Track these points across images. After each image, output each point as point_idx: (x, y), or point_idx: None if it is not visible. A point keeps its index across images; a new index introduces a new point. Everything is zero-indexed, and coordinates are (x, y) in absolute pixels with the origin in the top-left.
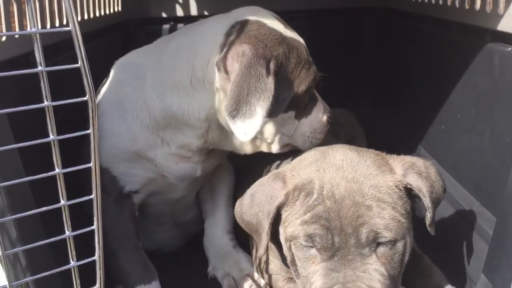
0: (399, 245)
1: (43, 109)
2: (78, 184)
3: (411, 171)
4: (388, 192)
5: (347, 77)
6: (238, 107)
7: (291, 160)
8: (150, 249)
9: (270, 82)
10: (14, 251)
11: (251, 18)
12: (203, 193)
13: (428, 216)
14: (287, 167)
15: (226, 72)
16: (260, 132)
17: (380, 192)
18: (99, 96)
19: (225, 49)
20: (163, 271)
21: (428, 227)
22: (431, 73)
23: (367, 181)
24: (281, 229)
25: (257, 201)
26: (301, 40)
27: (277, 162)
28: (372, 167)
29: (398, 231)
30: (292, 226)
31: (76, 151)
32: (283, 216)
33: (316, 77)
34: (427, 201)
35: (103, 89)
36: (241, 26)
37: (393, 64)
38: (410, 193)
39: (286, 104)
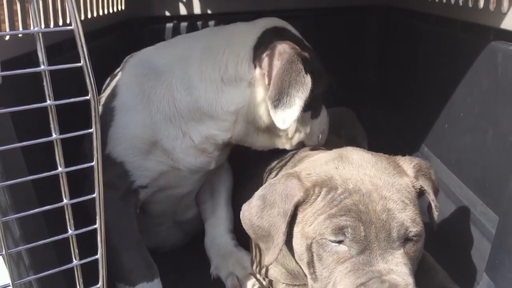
0: (420, 242)
1: (45, 107)
2: (77, 181)
3: (420, 173)
4: (408, 190)
5: (350, 76)
6: (280, 97)
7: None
8: (150, 247)
9: (308, 77)
10: (17, 249)
11: (278, 25)
12: (203, 194)
13: (435, 215)
14: (299, 168)
15: (262, 69)
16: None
17: (401, 191)
18: (111, 91)
19: (262, 49)
20: (164, 270)
21: (435, 220)
22: (434, 72)
23: (389, 178)
24: (296, 230)
25: (270, 202)
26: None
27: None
28: (389, 168)
29: (422, 226)
30: (315, 223)
31: (75, 149)
32: (299, 216)
33: (330, 81)
34: (433, 201)
35: (119, 83)
36: (273, 31)
37: (396, 63)
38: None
39: (321, 101)
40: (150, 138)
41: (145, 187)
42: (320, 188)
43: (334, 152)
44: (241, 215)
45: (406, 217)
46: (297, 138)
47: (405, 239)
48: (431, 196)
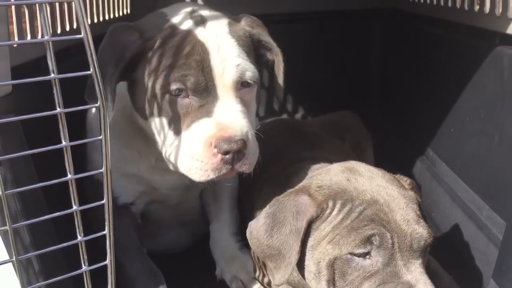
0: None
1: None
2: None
3: (414, 190)
4: (416, 203)
5: (354, 79)
6: None
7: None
8: (158, 251)
9: None
10: (27, 256)
11: None
12: (206, 195)
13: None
14: (306, 182)
15: None
16: None
17: (412, 202)
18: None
19: None
20: (171, 271)
21: None
22: (439, 76)
23: (400, 190)
24: (310, 247)
25: (280, 220)
26: None
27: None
28: (395, 180)
29: (432, 237)
30: (335, 240)
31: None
32: (314, 233)
33: None
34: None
35: None
36: None
37: (401, 66)
38: None
39: None
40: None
41: (132, 204)
42: (334, 201)
43: (340, 165)
44: (248, 234)
45: (423, 229)
46: None
47: (423, 250)
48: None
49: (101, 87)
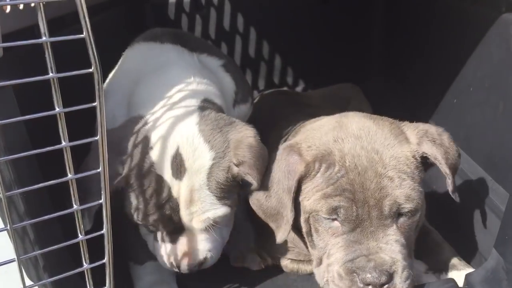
0: (417, 214)
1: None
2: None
3: (425, 139)
4: (406, 162)
5: (356, 51)
6: None
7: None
8: None
9: None
10: (22, 224)
11: None
12: None
13: (449, 182)
14: (299, 138)
15: None
16: None
17: (399, 163)
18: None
19: None
20: None
21: (451, 194)
22: (443, 45)
23: (387, 151)
24: (299, 206)
25: (276, 180)
26: None
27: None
28: (390, 137)
29: (418, 201)
30: (313, 199)
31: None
32: (302, 189)
33: None
34: (444, 168)
35: None
36: None
37: (404, 37)
38: (425, 161)
39: None
40: None
41: None
42: (320, 164)
43: (334, 119)
44: (249, 198)
45: (400, 194)
46: None
47: (399, 214)
48: (439, 162)
49: (94, 51)
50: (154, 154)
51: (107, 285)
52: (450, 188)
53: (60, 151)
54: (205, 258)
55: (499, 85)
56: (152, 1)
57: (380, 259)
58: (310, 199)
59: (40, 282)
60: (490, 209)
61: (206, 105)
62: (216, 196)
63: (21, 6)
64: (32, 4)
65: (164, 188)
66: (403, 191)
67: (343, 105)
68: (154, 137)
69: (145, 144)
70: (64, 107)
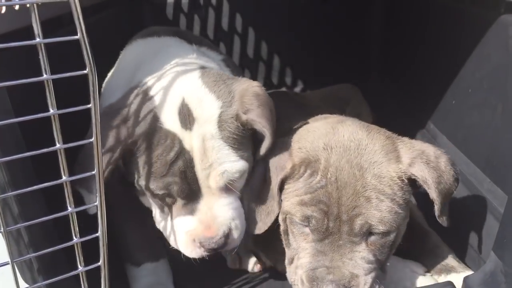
0: (392, 235)
1: (42, 83)
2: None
3: (418, 160)
4: (389, 183)
5: (355, 52)
6: None
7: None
8: None
9: None
10: (16, 227)
11: None
12: None
13: (436, 208)
14: (295, 136)
15: None
16: None
17: (381, 183)
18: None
19: None
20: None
21: (438, 219)
22: (441, 46)
23: (371, 169)
24: (281, 199)
25: (271, 170)
26: None
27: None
28: (379, 154)
29: (392, 223)
30: (291, 202)
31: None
32: (285, 188)
33: None
34: (432, 193)
35: None
36: None
37: (403, 37)
38: (414, 183)
39: None
40: None
41: None
42: (305, 169)
43: (330, 124)
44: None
45: (374, 216)
46: None
47: (370, 233)
48: (428, 186)
49: (89, 53)
50: (159, 110)
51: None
52: (436, 213)
53: (54, 153)
54: (230, 230)
55: (498, 86)
56: (151, 1)
57: (340, 273)
58: (289, 201)
59: (35, 285)
60: (488, 212)
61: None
62: (230, 147)
63: (17, 7)
64: (28, 5)
65: (175, 141)
66: (377, 213)
67: (342, 106)
68: (157, 94)
69: (148, 102)
70: (59, 108)
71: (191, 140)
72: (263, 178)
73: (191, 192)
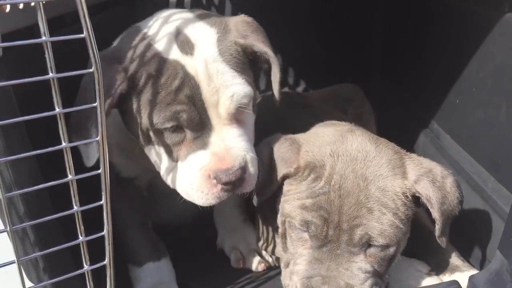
0: (392, 249)
1: (48, 82)
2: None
3: (425, 178)
4: (393, 198)
5: (357, 52)
6: None
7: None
8: (165, 223)
9: None
10: (22, 226)
11: None
12: None
13: (437, 228)
14: (303, 137)
15: None
16: None
17: (385, 196)
18: None
19: None
20: (175, 246)
21: (437, 239)
22: (445, 46)
23: (376, 181)
24: (280, 199)
25: (277, 156)
26: None
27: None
28: (386, 167)
29: (392, 237)
30: (291, 205)
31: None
32: (285, 188)
33: None
34: (434, 212)
35: None
36: None
37: (406, 37)
38: (417, 200)
39: None
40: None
41: (134, 178)
42: (309, 172)
43: (340, 132)
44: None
45: (375, 228)
46: None
47: (369, 245)
48: (431, 205)
49: (95, 51)
50: (156, 42)
51: (108, 286)
52: (437, 233)
53: (60, 152)
54: (246, 163)
55: (502, 85)
56: (154, 1)
57: (335, 284)
58: (290, 204)
59: (41, 284)
60: (493, 211)
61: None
62: (234, 70)
63: (21, 6)
64: (32, 4)
65: (177, 68)
66: (378, 225)
67: (344, 105)
68: (152, 29)
69: (145, 38)
70: (64, 107)
71: (194, 65)
72: (270, 164)
73: (200, 122)
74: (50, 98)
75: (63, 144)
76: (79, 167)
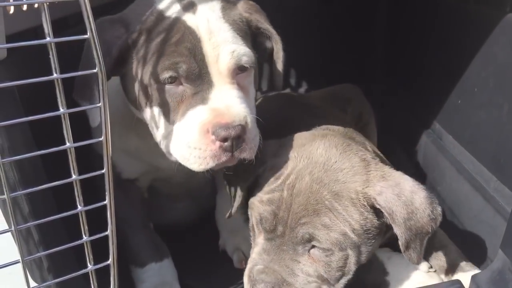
0: (338, 255)
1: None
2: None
3: (389, 191)
4: (345, 204)
5: (359, 52)
6: None
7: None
8: (166, 224)
9: None
10: (26, 225)
11: None
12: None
13: (400, 243)
14: (288, 139)
15: None
16: None
17: (336, 201)
18: None
19: None
20: (178, 247)
21: (403, 253)
22: (447, 46)
23: (331, 185)
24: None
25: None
26: None
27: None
28: (346, 173)
29: (336, 243)
30: (254, 199)
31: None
32: (260, 182)
33: None
34: (395, 227)
35: None
36: None
37: (407, 37)
38: (381, 212)
39: None
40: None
41: (136, 179)
42: (274, 172)
43: (317, 136)
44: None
45: (317, 229)
46: None
47: (313, 246)
48: (393, 220)
49: (99, 52)
50: (160, 4)
51: (111, 286)
52: (401, 248)
53: (64, 152)
54: (247, 123)
55: (504, 85)
56: None
57: (273, 276)
58: (254, 198)
59: (45, 284)
60: (496, 210)
61: None
62: (236, 33)
63: (25, 7)
64: (36, 5)
65: (179, 24)
66: (322, 228)
67: (344, 106)
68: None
69: (151, 5)
70: (68, 107)
71: (196, 21)
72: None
73: (200, 76)
74: (55, 99)
75: (67, 144)
76: (82, 167)
